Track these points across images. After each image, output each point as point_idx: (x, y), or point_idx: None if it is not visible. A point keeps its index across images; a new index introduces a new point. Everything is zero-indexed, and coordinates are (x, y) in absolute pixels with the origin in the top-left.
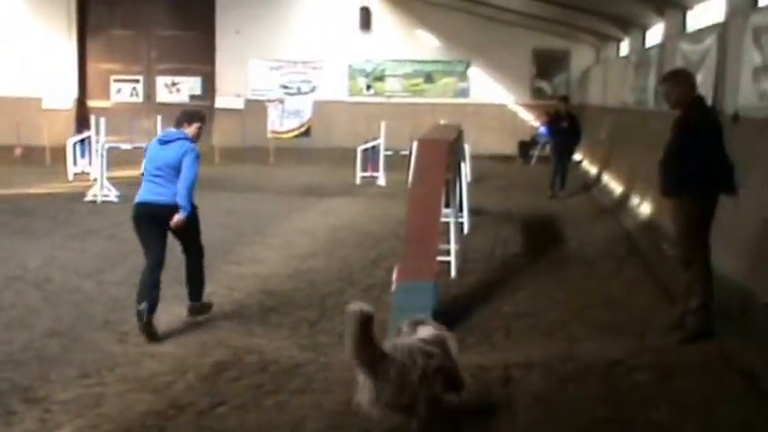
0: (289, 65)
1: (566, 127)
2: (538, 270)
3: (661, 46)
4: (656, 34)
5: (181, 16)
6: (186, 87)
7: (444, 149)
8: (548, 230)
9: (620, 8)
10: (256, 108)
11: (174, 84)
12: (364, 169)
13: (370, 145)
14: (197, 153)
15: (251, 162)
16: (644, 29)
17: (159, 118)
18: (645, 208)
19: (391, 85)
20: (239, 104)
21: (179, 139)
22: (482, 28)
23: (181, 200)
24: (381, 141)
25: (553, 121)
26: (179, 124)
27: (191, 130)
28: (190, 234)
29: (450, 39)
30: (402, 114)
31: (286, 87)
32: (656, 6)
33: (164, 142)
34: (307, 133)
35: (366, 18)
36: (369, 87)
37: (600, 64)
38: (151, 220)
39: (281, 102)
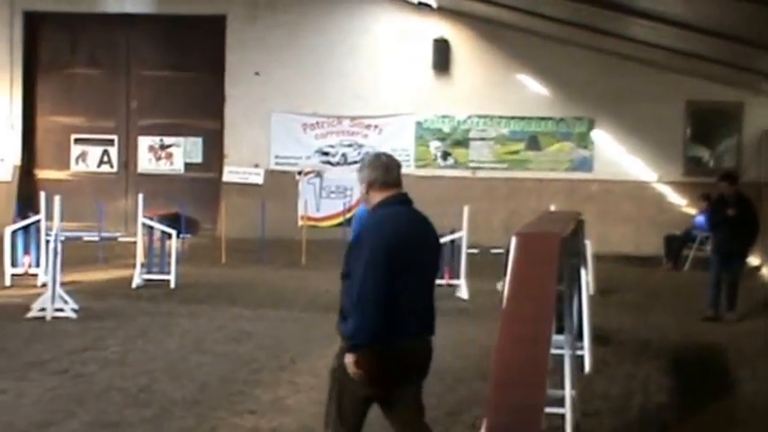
0: (330, 121)
1: (734, 216)
2: (696, 431)
3: None
4: None
5: (175, 50)
6: (181, 152)
7: (555, 248)
8: (709, 370)
9: None
10: (283, 183)
11: (163, 147)
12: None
13: (447, 239)
14: None
15: (273, 263)
16: None
17: (141, 197)
18: None
19: (478, 152)
20: (258, 178)
21: None
22: (612, 71)
23: None
24: (463, 234)
25: (716, 207)
26: None
27: None
28: None
29: (565, 86)
30: (494, 195)
31: (326, 154)
32: None
33: None
34: None
35: (443, 55)
36: (446, 155)
37: None
38: None
39: (319, 175)
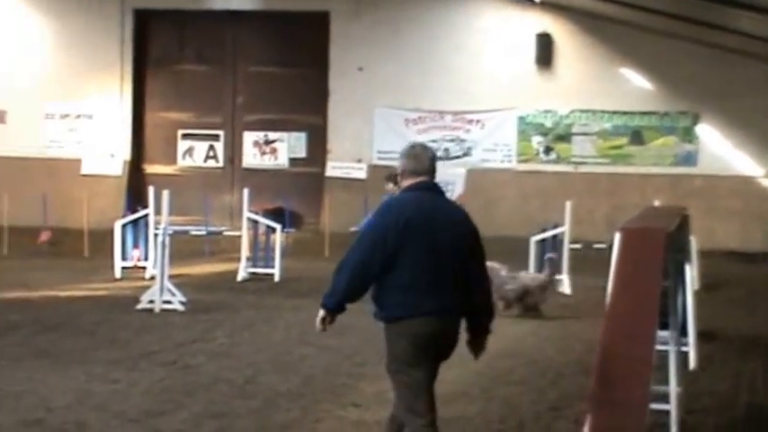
0: (433, 116)
1: None
2: None
3: None
4: None
5: (280, 46)
6: (285, 147)
7: (660, 243)
8: None
9: None
10: (384, 178)
11: (267, 142)
12: (540, 269)
13: (548, 234)
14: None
15: None
16: None
17: (246, 191)
18: None
19: (581, 147)
20: (360, 173)
21: None
22: (717, 65)
23: None
24: (566, 229)
25: None
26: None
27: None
28: None
29: (669, 80)
30: (596, 190)
31: None
32: None
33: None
34: None
35: (546, 50)
36: (548, 150)
37: None
38: None
39: None
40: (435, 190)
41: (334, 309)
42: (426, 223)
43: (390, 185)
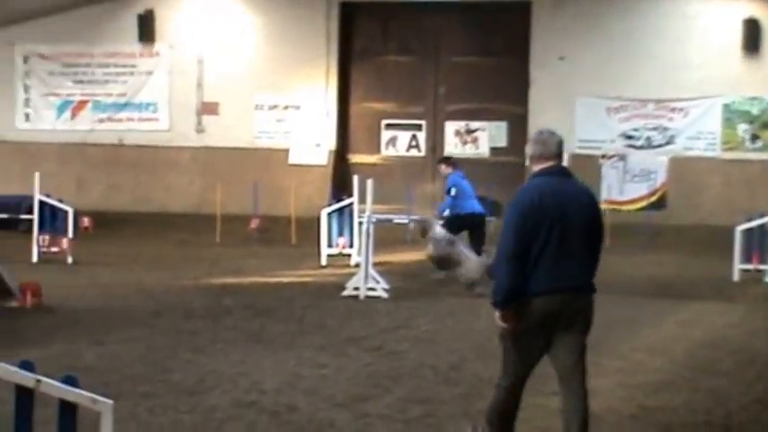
0: (635, 105)
1: None
2: None
3: None
4: None
5: (481, 36)
6: (486, 136)
7: None
8: None
9: None
10: (585, 167)
11: (469, 131)
12: (747, 259)
13: (755, 223)
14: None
15: None
16: None
17: None
18: None
19: None
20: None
21: None
22: None
23: None
24: None
25: None
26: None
27: None
28: None
29: None
30: None
31: (630, 138)
32: None
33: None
34: (660, 204)
35: (753, 35)
36: (754, 138)
37: None
38: None
39: (623, 158)
40: (564, 173)
41: (504, 304)
42: (557, 206)
43: (443, 167)
